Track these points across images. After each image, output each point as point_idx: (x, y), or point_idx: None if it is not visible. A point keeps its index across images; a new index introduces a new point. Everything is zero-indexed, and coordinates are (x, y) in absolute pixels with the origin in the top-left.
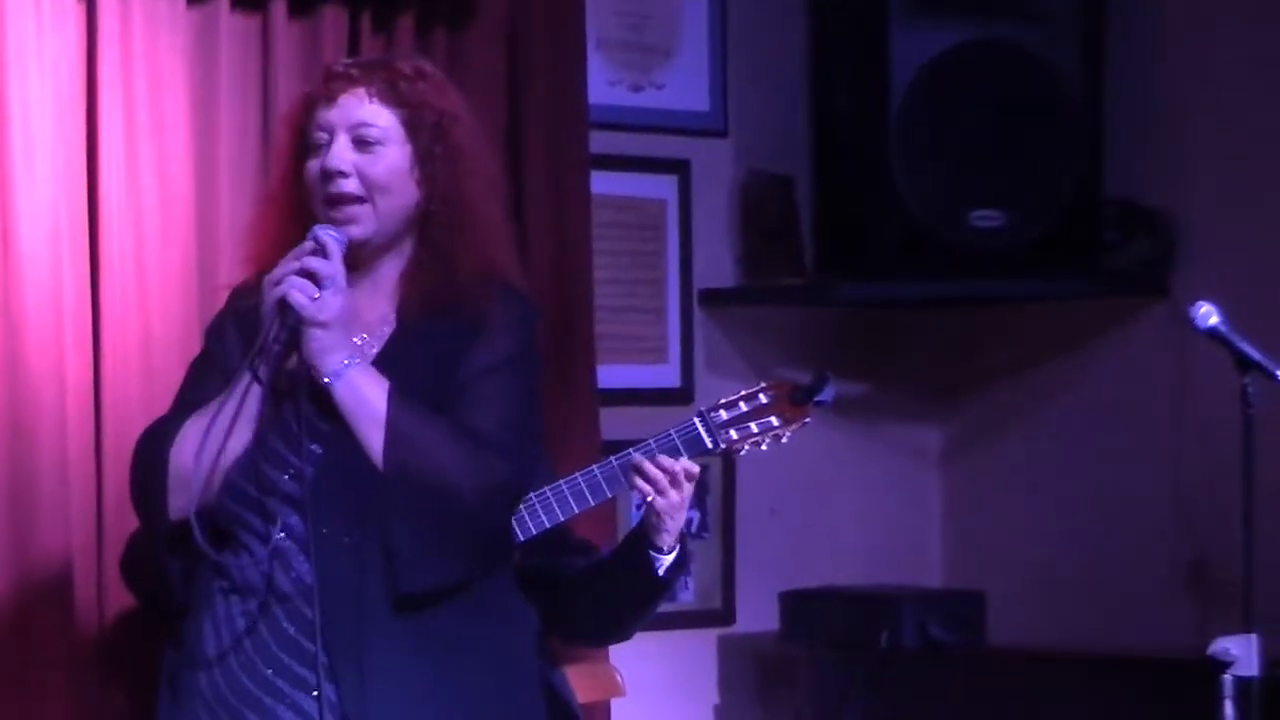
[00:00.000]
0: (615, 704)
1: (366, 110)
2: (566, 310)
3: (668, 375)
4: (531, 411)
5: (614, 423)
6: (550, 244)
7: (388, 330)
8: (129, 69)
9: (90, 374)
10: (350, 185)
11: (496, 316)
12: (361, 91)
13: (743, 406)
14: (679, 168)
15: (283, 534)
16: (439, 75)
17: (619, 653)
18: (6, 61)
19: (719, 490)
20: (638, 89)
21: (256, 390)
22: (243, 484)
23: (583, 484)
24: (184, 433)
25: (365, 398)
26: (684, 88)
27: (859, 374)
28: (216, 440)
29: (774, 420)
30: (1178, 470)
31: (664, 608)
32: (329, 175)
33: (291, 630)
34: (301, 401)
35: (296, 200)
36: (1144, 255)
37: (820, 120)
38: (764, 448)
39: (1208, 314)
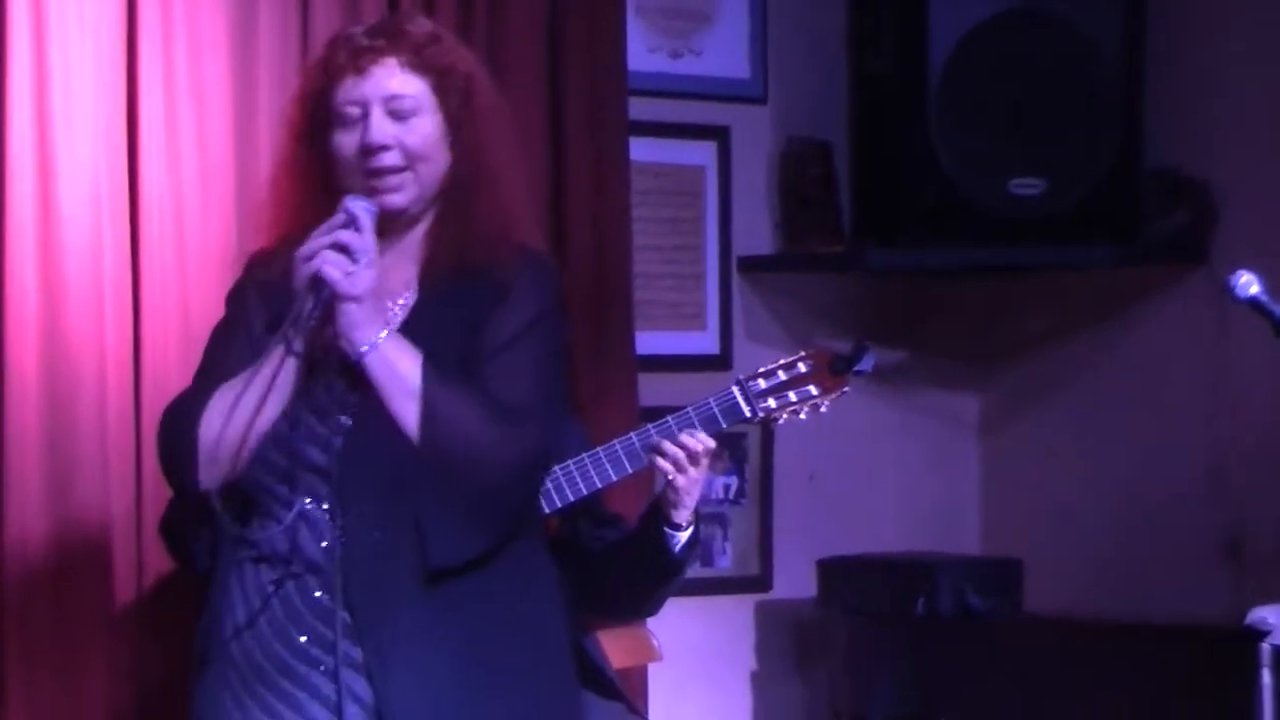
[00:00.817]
0: (651, 669)
1: (398, 81)
2: (605, 276)
3: (706, 342)
4: (557, 374)
5: (652, 389)
6: (589, 210)
7: (411, 296)
8: (169, 33)
9: (130, 342)
10: (393, 158)
11: (518, 280)
12: (391, 62)
13: (781, 375)
14: (718, 134)
15: (311, 503)
16: (449, 34)
17: (655, 618)
18: (48, 26)
19: (757, 457)
20: (677, 55)
21: (291, 365)
22: (272, 454)
23: (604, 458)
24: (212, 405)
25: (399, 371)
26: (723, 54)
27: (897, 341)
28: (247, 413)
29: (812, 389)
30: (1215, 440)
31: (702, 573)
32: (370, 150)
33: (325, 599)
34: (331, 374)
35: (318, 169)
36: (1182, 224)
37: (860, 88)
38: (802, 417)
39: (1248, 283)
